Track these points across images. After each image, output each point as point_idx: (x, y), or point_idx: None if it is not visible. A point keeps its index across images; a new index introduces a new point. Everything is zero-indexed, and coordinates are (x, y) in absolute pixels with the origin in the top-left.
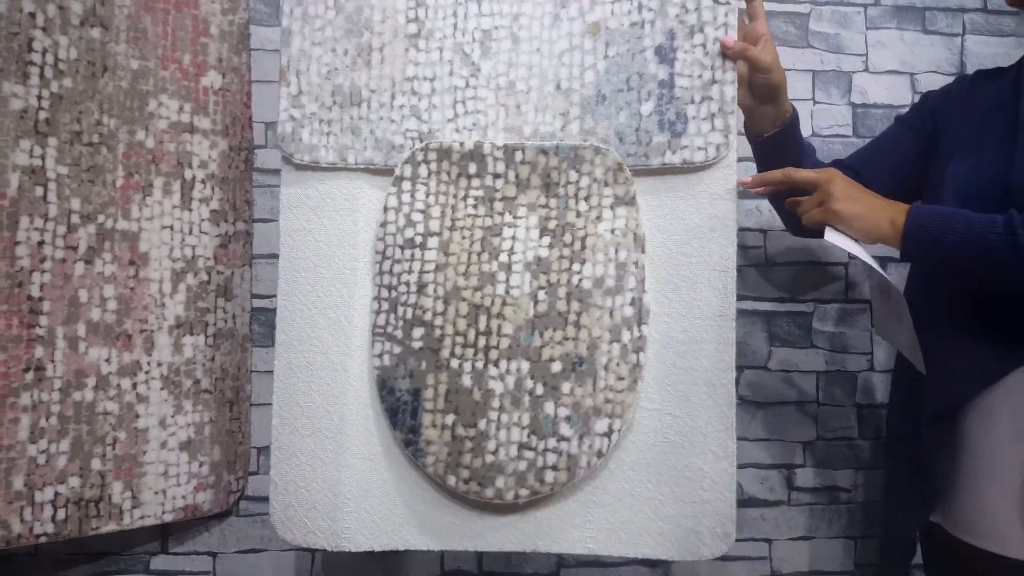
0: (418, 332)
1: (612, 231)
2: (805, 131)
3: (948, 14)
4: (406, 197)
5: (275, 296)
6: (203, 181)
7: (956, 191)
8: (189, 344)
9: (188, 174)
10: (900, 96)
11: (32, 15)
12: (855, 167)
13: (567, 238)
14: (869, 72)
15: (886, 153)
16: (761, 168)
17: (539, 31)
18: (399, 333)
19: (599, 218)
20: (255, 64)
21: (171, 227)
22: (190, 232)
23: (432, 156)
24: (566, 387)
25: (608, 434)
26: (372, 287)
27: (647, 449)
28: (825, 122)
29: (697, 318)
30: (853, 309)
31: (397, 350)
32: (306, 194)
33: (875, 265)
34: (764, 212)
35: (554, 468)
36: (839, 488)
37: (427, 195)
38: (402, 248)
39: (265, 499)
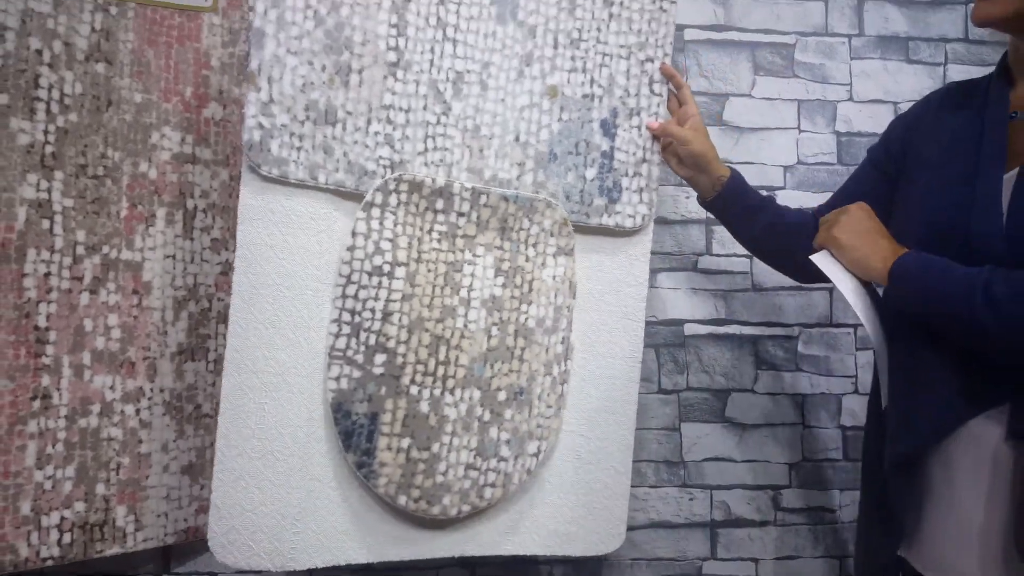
0: (380, 358)
1: (554, 277)
2: (790, 159)
3: (931, 44)
4: (375, 224)
5: None
6: (204, 210)
7: (916, 233)
8: (191, 370)
9: (190, 204)
10: (883, 125)
11: (39, 52)
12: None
13: (517, 280)
14: (853, 101)
15: (854, 197)
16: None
17: (505, 83)
18: (360, 358)
19: (544, 264)
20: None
21: (173, 256)
22: (192, 261)
23: (404, 187)
24: (508, 414)
25: (537, 454)
26: (332, 310)
27: (562, 465)
28: (810, 150)
29: (609, 357)
30: (837, 333)
31: (356, 374)
32: (270, 208)
33: (850, 301)
34: None
35: (492, 485)
36: (824, 508)
37: (395, 224)
38: (369, 275)
39: None
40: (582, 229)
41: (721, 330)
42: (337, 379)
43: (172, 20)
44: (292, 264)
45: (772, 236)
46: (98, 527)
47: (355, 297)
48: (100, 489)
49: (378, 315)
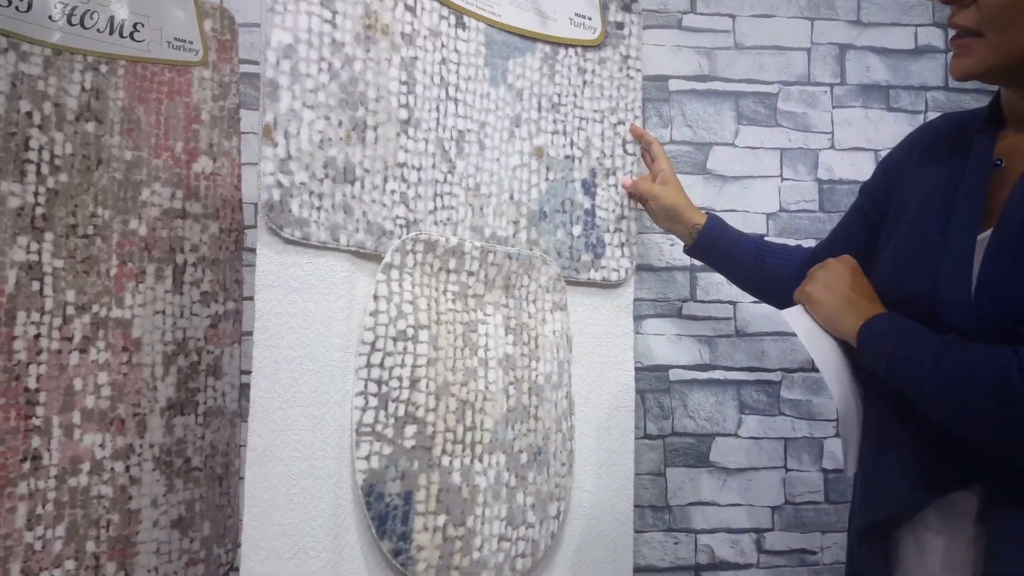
0: (411, 430)
1: (554, 332)
2: (772, 207)
3: (911, 92)
4: (395, 286)
5: None
6: (194, 264)
7: (886, 295)
8: (180, 424)
9: (180, 258)
10: (864, 172)
11: (29, 114)
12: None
13: (524, 337)
14: (835, 149)
15: (841, 241)
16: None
17: (499, 142)
18: (389, 432)
19: (544, 320)
20: (245, 147)
21: (163, 312)
22: (181, 315)
23: (420, 247)
24: (531, 476)
25: (557, 516)
26: (356, 381)
27: (572, 522)
28: (792, 197)
29: (604, 408)
30: (818, 378)
31: (387, 450)
32: (291, 273)
33: (816, 361)
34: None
35: (522, 555)
36: (806, 551)
37: (413, 286)
38: (395, 340)
39: None
40: (571, 283)
41: (705, 375)
42: (367, 458)
43: (162, 76)
44: (314, 334)
45: (762, 274)
46: None
47: (381, 365)
48: (90, 547)
49: (405, 383)
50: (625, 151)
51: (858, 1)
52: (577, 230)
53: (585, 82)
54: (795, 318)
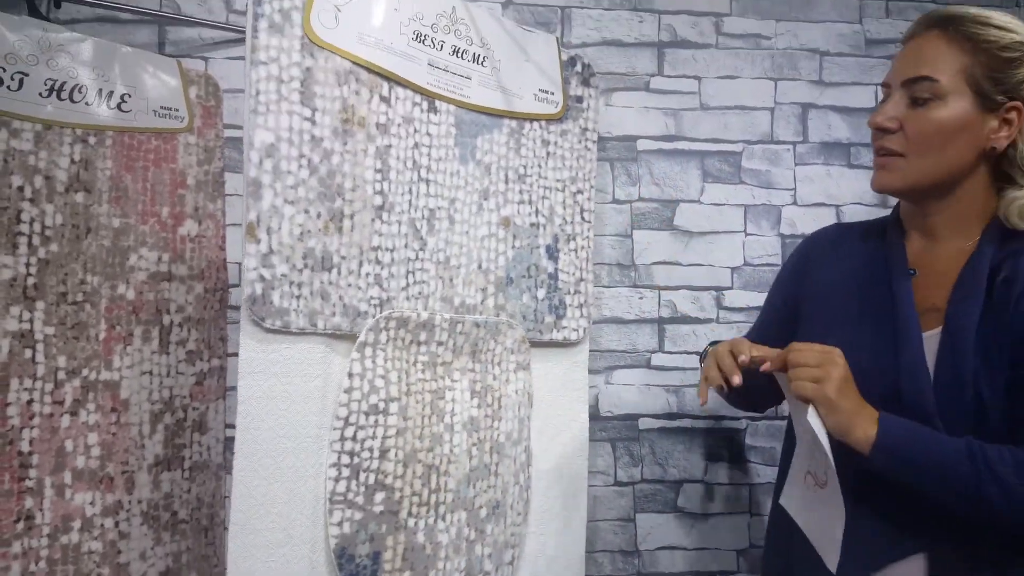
0: (380, 496)
1: (516, 391)
2: (737, 261)
3: (871, 149)
4: (368, 363)
5: None
6: (180, 324)
7: None
8: (167, 479)
9: (166, 319)
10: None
11: (20, 188)
12: None
13: (488, 399)
14: (797, 205)
15: (771, 337)
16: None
17: (468, 215)
18: (360, 499)
19: (507, 380)
20: (229, 209)
21: (150, 372)
22: (168, 374)
23: (392, 324)
24: (489, 528)
25: (512, 562)
26: (331, 454)
27: (526, 566)
28: (756, 252)
29: (560, 458)
30: (781, 424)
31: (358, 516)
32: (271, 359)
33: (831, 464)
34: (700, 336)
35: None
36: None
37: (385, 360)
38: (367, 414)
39: None
40: (535, 343)
41: (673, 424)
42: (340, 524)
43: (149, 144)
44: (292, 414)
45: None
46: None
47: (353, 438)
48: None
49: (376, 453)
50: (583, 218)
51: (820, 62)
52: (541, 293)
53: (549, 153)
54: (815, 422)
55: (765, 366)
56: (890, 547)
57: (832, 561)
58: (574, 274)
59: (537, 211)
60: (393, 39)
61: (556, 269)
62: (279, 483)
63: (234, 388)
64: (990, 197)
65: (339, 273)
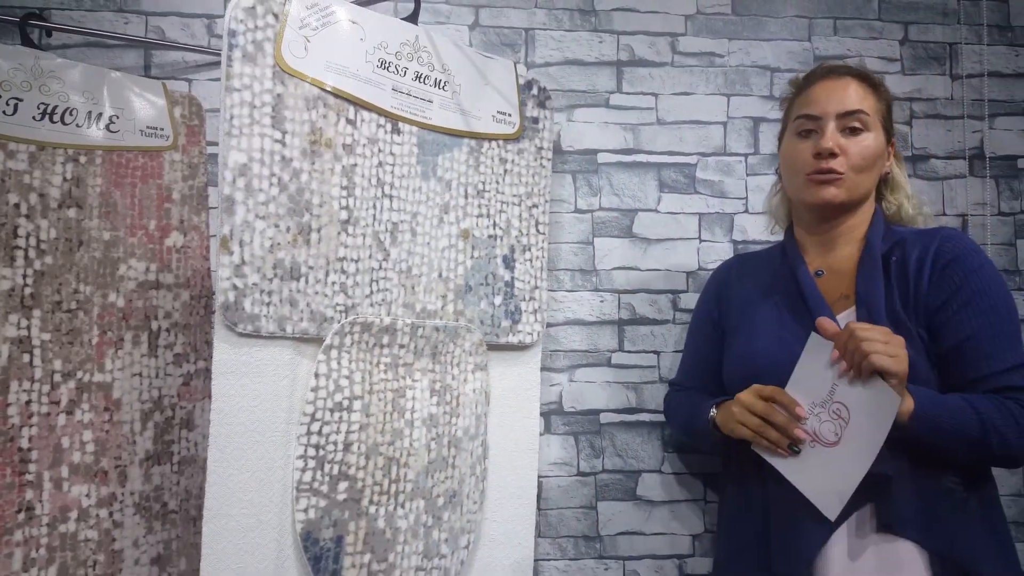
0: (343, 485)
1: (474, 390)
2: (692, 266)
3: None
4: (334, 364)
5: None
6: (167, 329)
7: (753, 372)
8: (157, 473)
9: (154, 325)
10: (776, 234)
11: (17, 205)
12: (691, 386)
13: (447, 397)
14: (749, 213)
15: (708, 360)
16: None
17: (430, 228)
18: (324, 488)
19: (466, 380)
20: (212, 220)
21: (140, 374)
22: (156, 375)
23: (357, 328)
24: (446, 516)
25: (467, 546)
26: (298, 447)
27: (481, 549)
28: (710, 257)
29: (511, 451)
30: None
31: (322, 503)
32: (242, 360)
33: (882, 431)
34: (658, 336)
35: None
36: None
37: (350, 362)
38: (332, 411)
39: None
40: (492, 347)
41: (632, 418)
42: (305, 510)
43: (136, 161)
44: (262, 411)
45: None
46: None
47: (319, 433)
48: None
49: (340, 446)
50: (538, 230)
51: (771, 78)
52: (498, 300)
53: (506, 170)
54: (881, 391)
55: (836, 354)
56: (847, 504)
57: (832, 513)
58: (529, 282)
59: (495, 224)
60: (359, 67)
61: (512, 278)
62: (249, 472)
63: None
64: (872, 208)
65: (307, 282)
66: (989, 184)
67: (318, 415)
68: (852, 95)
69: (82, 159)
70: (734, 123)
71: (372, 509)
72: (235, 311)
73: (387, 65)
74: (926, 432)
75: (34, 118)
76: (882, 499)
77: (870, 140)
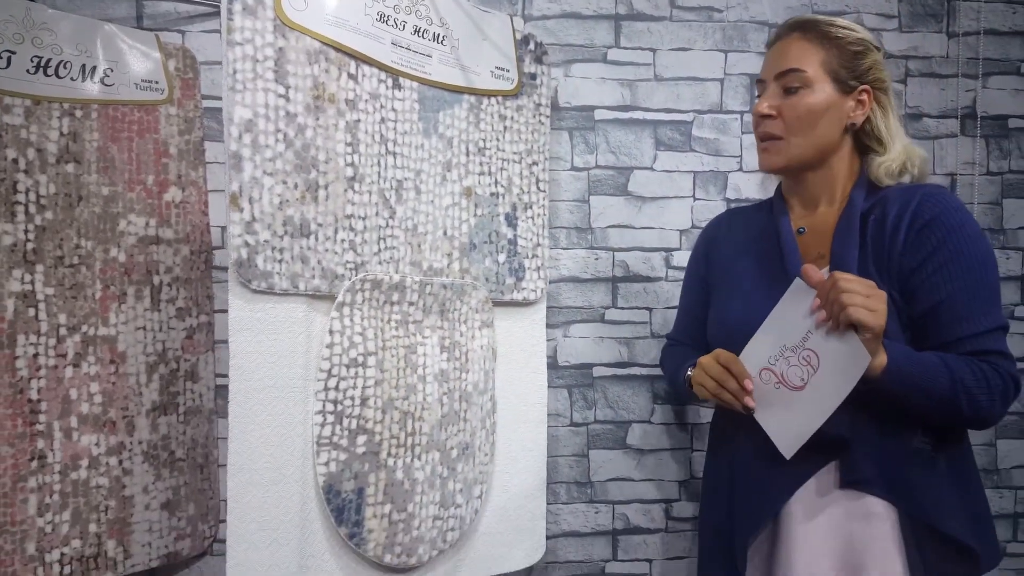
0: (362, 439)
1: (481, 346)
2: (686, 224)
3: None
4: (347, 321)
5: None
6: (169, 284)
7: (735, 322)
8: (164, 423)
9: (156, 280)
10: (768, 191)
11: (15, 160)
12: (684, 341)
13: (456, 353)
14: (743, 171)
15: (698, 317)
16: None
17: (433, 186)
18: (344, 442)
19: (473, 337)
20: (210, 176)
21: (144, 327)
22: (160, 329)
23: (367, 286)
24: (459, 467)
25: (480, 496)
26: (316, 402)
27: (495, 499)
28: (704, 216)
29: (521, 405)
30: None
31: (343, 456)
32: (257, 317)
33: (848, 383)
34: (650, 293)
35: (452, 530)
36: None
37: (362, 319)
38: (347, 367)
39: None
40: (497, 304)
41: (624, 372)
42: (327, 464)
43: (132, 115)
44: (279, 367)
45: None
46: (92, 559)
47: (336, 388)
48: (92, 528)
49: (357, 401)
50: (538, 188)
51: (768, 33)
52: (502, 258)
53: (506, 127)
54: (855, 345)
55: (816, 303)
56: (808, 462)
57: (789, 452)
58: (531, 239)
59: (496, 181)
60: (359, 20)
61: (515, 235)
62: (270, 428)
63: (222, 341)
64: (854, 164)
65: (316, 239)
66: (979, 143)
67: (334, 371)
68: (791, 52)
69: (78, 113)
70: (731, 80)
71: (391, 461)
72: (248, 268)
73: (386, 18)
74: (897, 387)
75: (28, 71)
76: (844, 458)
77: (810, 98)
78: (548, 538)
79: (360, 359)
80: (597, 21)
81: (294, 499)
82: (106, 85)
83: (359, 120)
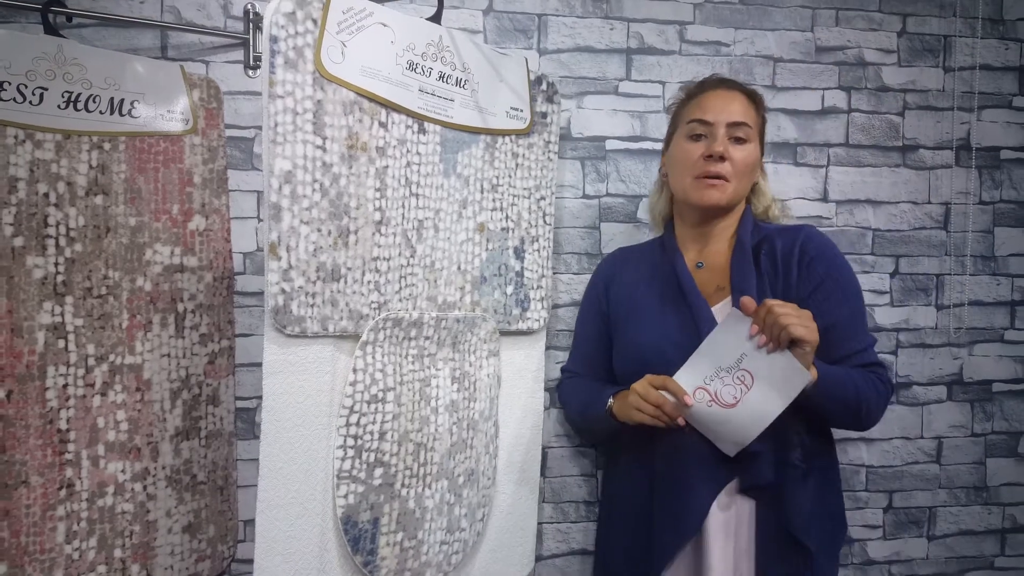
0: (378, 472)
1: (488, 375)
2: None
3: (816, 148)
4: (369, 359)
5: (254, 397)
6: (193, 311)
7: (641, 355)
8: (186, 447)
9: (180, 307)
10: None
11: (46, 195)
12: (583, 372)
13: (466, 383)
14: None
15: (598, 349)
16: None
17: (450, 223)
18: (362, 475)
19: (481, 366)
20: (232, 204)
21: (168, 354)
22: (184, 355)
23: (389, 324)
24: (465, 493)
25: (483, 519)
26: (337, 437)
27: (493, 519)
28: None
29: (518, 428)
30: None
31: (360, 489)
32: (289, 360)
33: (786, 399)
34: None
35: (456, 553)
36: None
37: (383, 355)
38: (368, 403)
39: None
40: (503, 333)
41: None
42: (345, 496)
43: (158, 146)
44: (307, 406)
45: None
46: None
47: (357, 424)
48: (117, 553)
49: (376, 435)
50: (544, 221)
51: (773, 67)
52: (510, 289)
53: (517, 164)
54: (791, 362)
55: (754, 328)
56: (718, 480)
57: (730, 452)
58: (537, 271)
59: (507, 216)
60: (390, 70)
61: (522, 267)
62: (296, 464)
63: (242, 365)
64: (743, 208)
65: (346, 282)
66: (973, 174)
67: (356, 407)
68: (740, 107)
69: (106, 146)
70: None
71: (404, 491)
72: (284, 314)
73: (415, 67)
74: (822, 399)
75: (59, 107)
76: (745, 467)
77: (751, 150)
78: (559, 556)
79: (380, 395)
80: (609, 55)
81: (315, 531)
82: (133, 117)
83: (387, 166)
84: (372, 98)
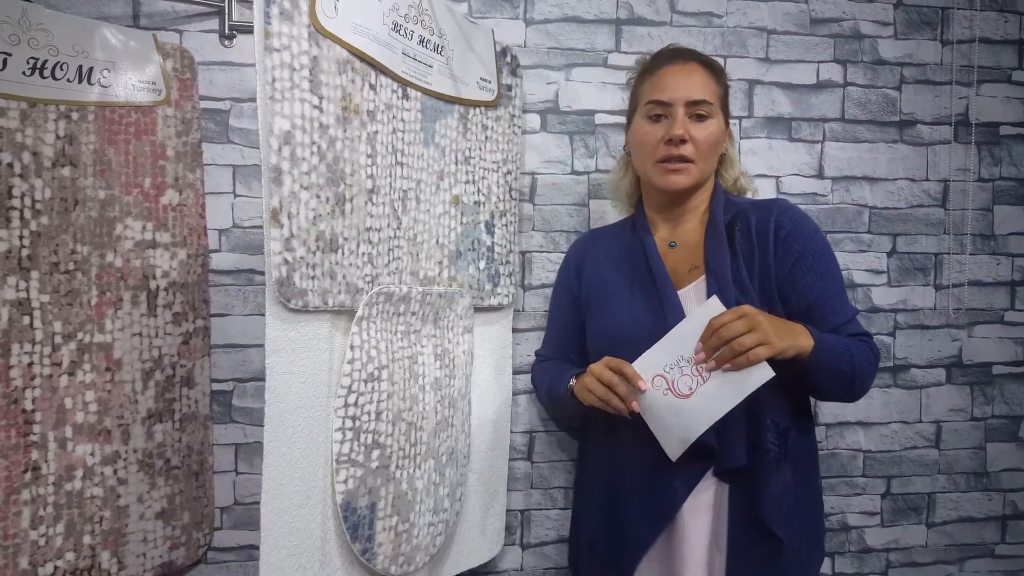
0: (375, 454)
1: (463, 352)
2: None
3: (811, 123)
4: (365, 335)
5: (230, 380)
6: (166, 289)
7: (614, 334)
8: (159, 430)
9: (152, 284)
10: (767, 195)
11: (10, 165)
12: (556, 356)
13: (446, 360)
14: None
15: (570, 333)
16: None
17: (429, 195)
18: (361, 458)
19: (458, 343)
20: (207, 178)
21: (140, 333)
22: (156, 335)
23: (381, 299)
24: (447, 472)
25: (460, 498)
26: (335, 419)
27: (468, 497)
28: None
29: (488, 405)
30: None
31: (359, 473)
32: (290, 336)
33: (733, 403)
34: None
35: (440, 534)
36: None
37: (376, 332)
38: (366, 382)
39: (229, 549)
40: (477, 309)
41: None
42: (345, 481)
43: (129, 117)
44: (308, 385)
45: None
46: (86, 571)
47: (355, 404)
48: (86, 540)
49: (372, 416)
50: (511, 196)
51: (767, 39)
52: (482, 264)
53: (487, 137)
54: (762, 374)
55: (700, 356)
56: (694, 474)
57: (674, 454)
58: (506, 246)
59: (479, 190)
60: (378, 29)
61: (493, 242)
62: (299, 449)
63: (217, 346)
64: (712, 183)
65: (343, 253)
66: (972, 151)
67: (354, 387)
68: (698, 83)
69: (74, 116)
70: (730, 85)
71: (398, 473)
72: (287, 286)
73: (399, 28)
74: (818, 368)
75: (24, 73)
76: (719, 451)
77: (714, 126)
78: (547, 544)
79: (376, 373)
80: (598, 25)
81: (317, 520)
82: (103, 86)
83: (377, 131)
84: (363, 57)
